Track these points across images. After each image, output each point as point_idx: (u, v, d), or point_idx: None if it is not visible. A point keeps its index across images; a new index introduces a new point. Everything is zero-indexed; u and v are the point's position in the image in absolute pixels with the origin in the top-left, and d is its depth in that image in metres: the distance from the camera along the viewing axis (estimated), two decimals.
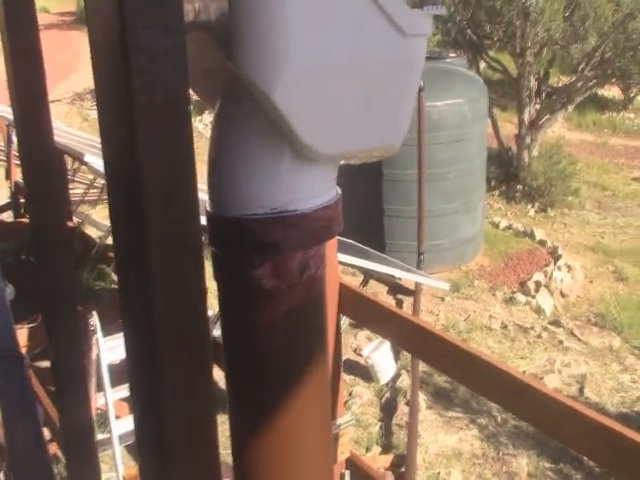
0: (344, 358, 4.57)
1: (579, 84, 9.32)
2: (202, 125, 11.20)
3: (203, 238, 0.66)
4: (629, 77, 9.52)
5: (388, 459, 4.30)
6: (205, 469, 0.66)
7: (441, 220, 6.79)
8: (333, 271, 2.32)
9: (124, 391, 3.06)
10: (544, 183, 8.88)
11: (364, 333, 5.70)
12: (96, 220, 6.85)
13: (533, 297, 6.53)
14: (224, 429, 0.85)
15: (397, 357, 5.26)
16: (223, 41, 0.72)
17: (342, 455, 2.54)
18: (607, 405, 4.84)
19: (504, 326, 6.00)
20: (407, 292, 4.79)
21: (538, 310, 6.38)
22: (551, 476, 4.14)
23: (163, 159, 0.57)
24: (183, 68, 0.56)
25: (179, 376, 0.62)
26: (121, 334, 0.66)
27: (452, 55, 8.34)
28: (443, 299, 6.46)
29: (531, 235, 7.97)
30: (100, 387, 3.16)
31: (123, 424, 3.04)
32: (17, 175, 6.43)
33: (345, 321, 3.64)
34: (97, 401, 3.39)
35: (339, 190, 0.84)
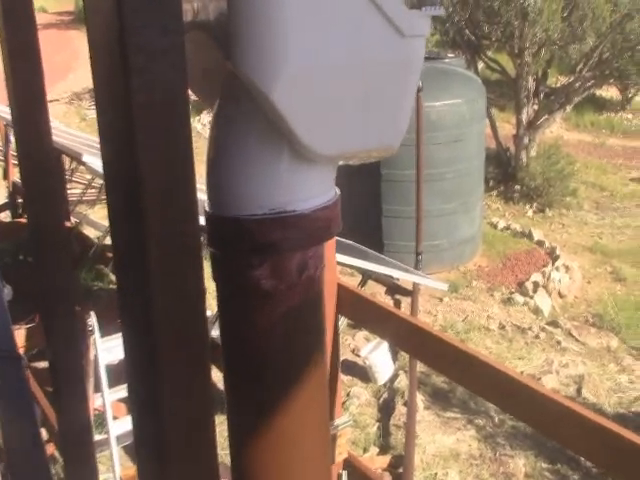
0: (342, 358, 4.57)
1: (577, 84, 9.33)
2: (200, 125, 11.19)
3: (202, 238, 0.65)
4: (627, 77, 9.54)
5: (386, 460, 4.30)
6: (203, 469, 0.66)
7: (439, 220, 6.79)
8: (331, 271, 2.32)
9: (122, 392, 3.06)
10: (542, 183, 8.89)
11: (362, 333, 5.70)
12: (94, 220, 6.85)
13: (531, 297, 6.53)
14: (222, 429, 0.85)
15: (395, 357, 5.26)
16: (222, 41, 0.72)
17: (340, 456, 2.53)
18: (604, 405, 4.84)
19: (502, 326, 6.01)
20: (405, 292, 4.79)
21: (536, 310, 6.38)
22: (548, 476, 4.15)
23: (162, 159, 0.57)
24: (182, 68, 0.56)
25: (177, 376, 0.62)
26: (119, 334, 0.66)
27: (450, 55, 8.35)
28: (441, 299, 6.46)
29: (529, 235, 7.98)
30: (98, 388, 3.16)
31: (121, 425, 3.03)
32: (15, 175, 6.42)
33: (343, 321, 3.64)
34: (95, 402, 3.38)
35: (338, 191, 0.84)
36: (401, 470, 4.10)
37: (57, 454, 3.44)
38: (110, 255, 5.32)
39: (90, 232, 6.42)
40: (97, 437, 2.99)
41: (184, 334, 0.62)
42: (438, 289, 5.69)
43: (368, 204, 6.89)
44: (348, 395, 4.89)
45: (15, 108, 1.45)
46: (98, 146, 0.64)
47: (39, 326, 3.09)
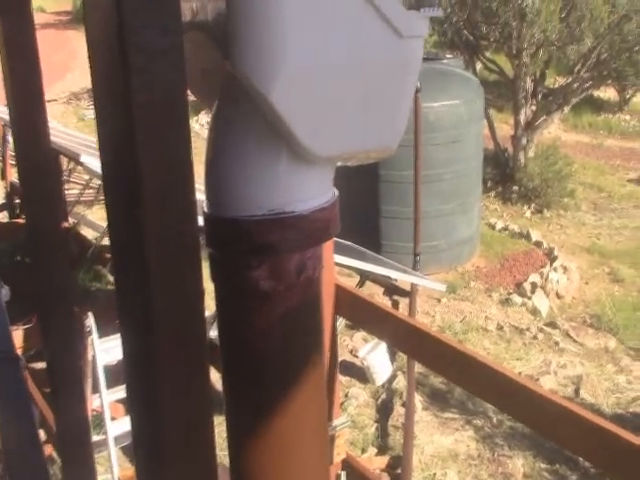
0: (340, 359, 4.57)
1: (575, 85, 9.34)
2: (199, 125, 11.18)
3: (200, 239, 0.65)
4: (625, 78, 9.54)
5: (384, 460, 4.30)
6: (202, 470, 0.66)
7: (437, 221, 6.79)
8: (329, 272, 2.32)
9: (120, 392, 3.05)
10: (540, 184, 8.89)
11: (360, 334, 5.70)
12: (92, 221, 6.84)
13: (529, 298, 6.54)
14: (221, 430, 0.85)
15: (393, 358, 5.26)
16: (220, 41, 0.72)
17: (338, 456, 2.53)
18: (602, 406, 4.85)
19: (500, 327, 6.01)
20: (403, 293, 4.79)
21: (534, 311, 6.39)
22: (547, 477, 4.15)
23: (161, 159, 0.57)
24: (181, 68, 0.56)
25: (176, 377, 0.62)
26: (117, 335, 0.66)
27: (449, 56, 8.36)
28: (439, 300, 6.47)
29: (527, 236, 7.98)
30: (96, 388, 3.15)
31: (119, 425, 3.03)
32: (12, 175, 6.41)
33: (341, 322, 3.64)
34: (93, 402, 3.38)
35: (336, 192, 0.84)
36: (399, 471, 4.10)
37: (55, 455, 3.43)
38: (108, 256, 5.31)
39: (88, 233, 6.41)
40: (95, 438, 2.98)
41: (183, 335, 0.62)
42: (436, 290, 5.69)
43: (366, 205, 6.89)
44: (346, 396, 4.89)
45: (13, 108, 1.45)
46: (96, 146, 0.64)
47: (37, 327, 3.09)
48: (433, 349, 2.04)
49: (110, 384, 3.04)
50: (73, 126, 11.42)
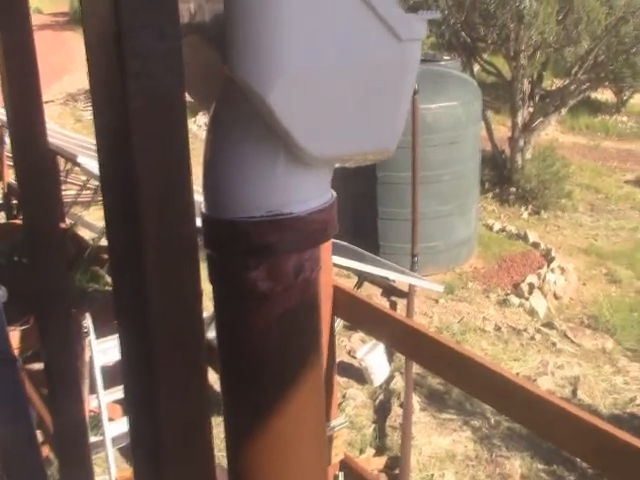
0: (338, 360, 4.57)
1: (572, 87, 9.35)
2: (196, 127, 11.18)
3: (198, 240, 0.65)
4: (622, 80, 9.56)
5: (382, 461, 4.30)
6: (200, 471, 0.66)
7: (435, 222, 6.80)
8: (327, 273, 2.32)
9: (117, 393, 3.05)
10: (537, 186, 8.90)
11: (358, 335, 5.70)
12: (89, 222, 6.83)
13: (526, 299, 6.55)
14: (219, 431, 0.85)
15: (391, 359, 5.27)
16: (218, 43, 0.72)
17: (336, 457, 2.54)
18: (600, 407, 4.85)
19: (497, 328, 6.02)
20: (401, 294, 4.79)
21: (531, 312, 6.39)
22: (544, 478, 4.15)
23: (159, 162, 0.57)
24: (179, 72, 0.56)
25: (174, 378, 0.62)
26: (114, 336, 0.66)
27: (446, 58, 8.37)
28: (437, 301, 6.47)
29: (524, 237, 7.99)
30: (93, 389, 3.15)
31: (116, 426, 3.03)
32: (10, 176, 6.40)
33: (339, 323, 3.64)
34: (90, 403, 3.37)
35: (334, 193, 0.84)
36: (397, 471, 4.10)
37: (52, 456, 3.43)
38: (105, 257, 5.31)
39: (85, 233, 6.40)
40: (93, 439, 2.98)
41: (181, 336, 0.62)
42: (434, 291, 5.69)
43: (364, 206, 6.90)
44: (344, 397, 4.89)
45: (10, 109, 1.45)
46: (93, 147, 0.64)
47: (34, 328, 3.08)
48: (431, 350, 2.04)
49: (107, 385, 3.04)
50: (70, 127, 11.41)
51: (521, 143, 9.35)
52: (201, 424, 0.65)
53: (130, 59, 0.53)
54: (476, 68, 10.17)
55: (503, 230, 8.31)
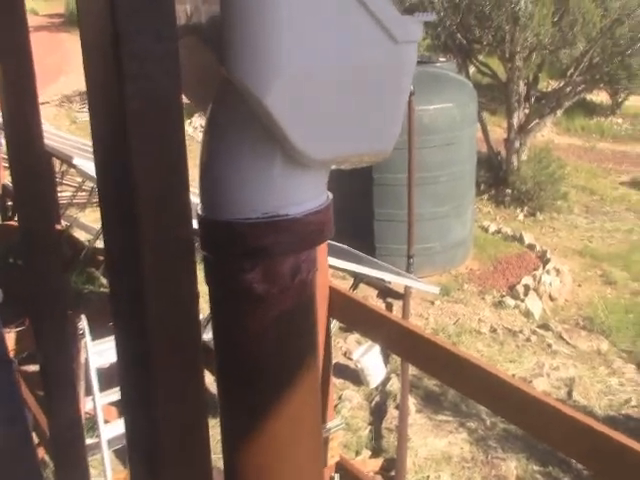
0: (334, 362, 4.57)
1: (568, 89, 9.38)
2: (192, 129, 11.17)
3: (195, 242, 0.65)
4: (617, 82, 9.60)
5: (378, 463, 4.30)
6: (197, 473, 0.66)
7: (431, 224, 6.81)
8: (323, 275, 2.32)
9: (113, 395, 3.04)
10: (533, 187, 8.92)
11: (354, 337, 5.70)
12: (85, 223, 6.82)
13: (522, 301, 6.56)
14: (215, 433, 0.85)
15: (387, 361, 5.27)
16: (215, 44, 0.72)
17: (332, 459, 2.53)
18: (595, 408, 4.86)
19: (493, 330, 6.02)
20: (397, 296, 4.80)
21: (527, 314, 6.40)
22: (540, 479, 4.16)
23: (156, 165, 0.57)
24: (176, 74, 0.56)
25: (171, 381, 0.62)
26: (110, 338, 0.66)
27: (442, 59, 8.38)
28: (433, 303, 6.48)
29: (520, 239, 8.01)
30: (89, 391, 3.14)
31: (112, 428, 3.02)
32: (5, 178, 6.38)
33: (335, 325, 3.64)
34: (85, 405, 3.36)
35: (330, 195, 0.84)
36: (393, 473, 4.10)
37: (48, 458, 3.42)
38: (101, 258, 5.30)
39: (81, 235, 6.39)
40: (88, 441, 2.97)
41: (178, 339, 0.62)
42: (429, 292, 5.70)
43: (360, 208, 6.90)
44: (340, 398, 4.89)
45: (6, 110, 1.45)
46: (88, 149, 0.64)
47: (29, 329, 3.08)
48: (427, 351, 2.04)
49: (103, 387, 3.03)
50: (65, 129, 11.39)
51: (517, 145, 9.37)
52: (198, 426, 0.65)
53: (127, 61, 0.53)
54: (472, 70, 10.19)
55: (499, 232, 8.32)
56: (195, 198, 0.80)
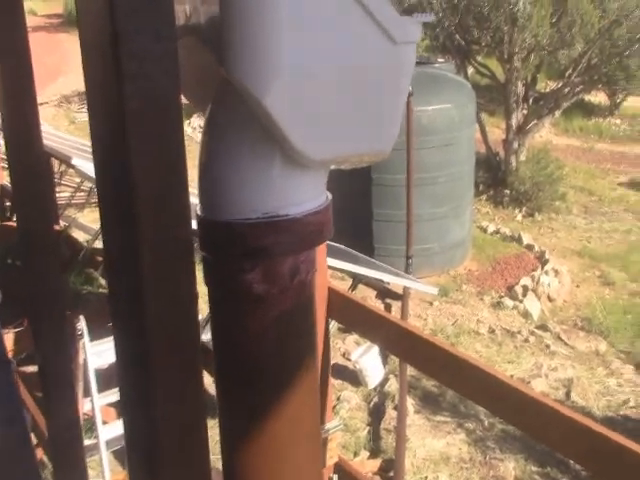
0: (332, 362, 4.57)
1: (566, 90, 9.39)
2: (191, 129, 11.17)
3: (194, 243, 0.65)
4: (615, 83, 9.61)
5: (376, 464, 4.30)
6: (196, 474, 0.66)
7: (430, 224, 6.81)
8: (322, 275, 2.32)
9: (111, 396, 3.04)
10: (531, 188, 8.93)
11: (352, 337, 5.70)
12: (83, 224, 6.81)
13: (520, 301, 6.56)
14: (213, 434, 0.85)
15: (385, 361, 5.27)
16: (214, 45, 0.72)
17: (330, 460, 2.53)
18: (593, 409, 4.87)
19: (492, 330, 6.03)
20: (395, 296, 4.80)
21: (525, 314, 6.41)
22: None
23: (155, 164, 0.57)
24: (175, 74, 0.56)
25: (170, 381, 0.62)
26: (109, 338, 0.66)
27: (440, 60, 8.38)
28: (431, 303, 6.48)
29: (518, 240, 8.01)
30: (87, 392, 3.13)
31: (110, 429, 3.01)
32: (4, 178, 6.38)
33: (334, 325, 3.64)
34: (84, 406, 3.36)
35: (329, 195, 0.85)
36: (392, 474, 4.10)
37: (46, 459, 3.41)
38: (99, 259, 5.29)
39: (79, 235, 6.38)
40: (87, 442, 2.96)
41: (177, 339, 0.62)
42: (428, 293, 5.70)
43: (359, 208, 6.90)
44: (338, 399, 4.89)
45: (5, 111, 1.45)
46: (87, 149, 0.64)
47: (28, 330, 3.07)
48: (425, 352, 2.04)
49: (101, 388, 3.02)
50: (64, 129, 11.39)
51: (515, 145, 9.38)
52: (197, 427, 0.65)
53: (126, 61, 0.53)
54: (470, 70, 10.20)
55: (497, 232, 8.32)
56: (194, 199, 0.80)
